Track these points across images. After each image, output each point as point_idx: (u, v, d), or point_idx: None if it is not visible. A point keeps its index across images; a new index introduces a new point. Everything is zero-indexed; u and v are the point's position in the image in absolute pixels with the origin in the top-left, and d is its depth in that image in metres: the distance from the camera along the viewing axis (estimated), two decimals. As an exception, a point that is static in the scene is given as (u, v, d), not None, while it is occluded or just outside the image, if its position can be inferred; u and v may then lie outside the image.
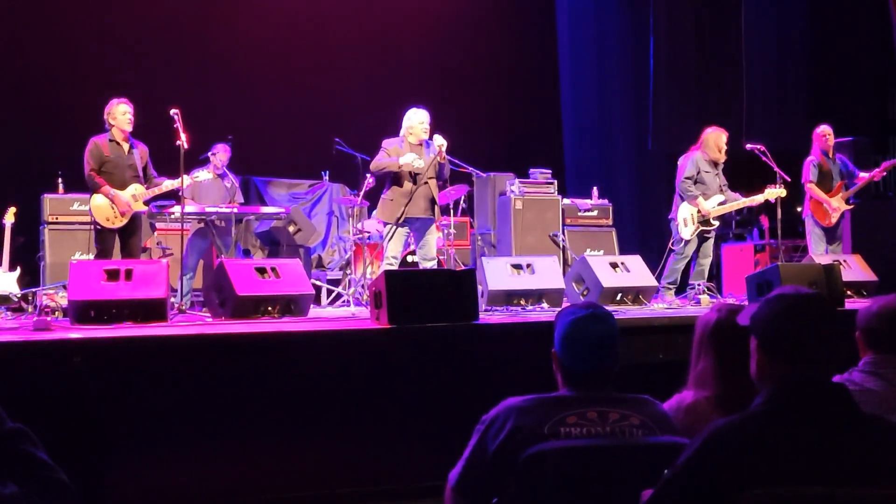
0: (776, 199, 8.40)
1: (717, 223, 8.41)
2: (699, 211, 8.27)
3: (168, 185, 7.47)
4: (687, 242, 8.32)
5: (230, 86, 11.08)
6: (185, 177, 7.39)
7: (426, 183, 7.59)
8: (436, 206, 7.72)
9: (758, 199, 8.43)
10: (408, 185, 7.53)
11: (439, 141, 7.50)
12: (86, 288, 5.99)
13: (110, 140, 7.36)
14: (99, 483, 4.42)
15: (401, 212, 7.47)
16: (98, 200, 7.28)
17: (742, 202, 8.41)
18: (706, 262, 8.46)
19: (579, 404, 2.59)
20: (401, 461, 4.88)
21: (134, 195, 7.32)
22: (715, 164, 8.42)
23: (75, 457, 3.98)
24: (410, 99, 10.94)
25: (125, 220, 7.32)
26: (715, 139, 8.40)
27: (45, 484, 2.02)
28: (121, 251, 7.43)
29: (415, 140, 7.66)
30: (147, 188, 7.42)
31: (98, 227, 7.33)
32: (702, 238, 8.41)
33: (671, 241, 8.51)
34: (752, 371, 2.23)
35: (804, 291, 2.22)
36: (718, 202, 8.33)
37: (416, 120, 7.64)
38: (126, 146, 7.40)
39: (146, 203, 7.48)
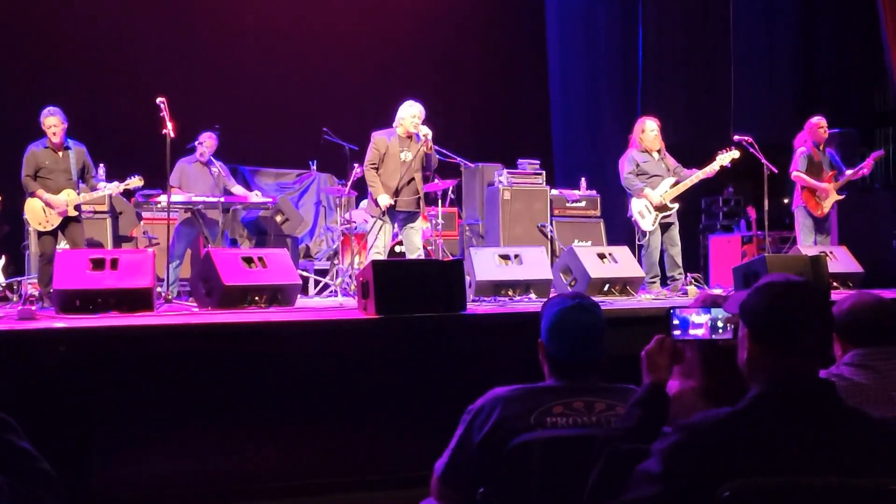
0: (730, 161, 8.38)
1: (675, 206, 8.40)
2: (651, 201, 8.33)
3: (100, 190, 7.71)
4: (651, 234, 8.35)
5: (218, 74, 11.03)
6: (115, 183, 7.75)
7: (412, 179, 7.66)
8: (421, 201, 7.77)
9: (711, 169, 8.37)
10: (393, 176, 7.58)
11: (424, 131, 7.54)
12: (71, 277, 5.96)
13: (46, 147, 7.48)
14: (84, 473, 4.41)
15: (386, 206, 7.54)
16: (32, 205, 7.42)
17: (697, 175, 8.38)
18: (675, 250, 8.43)
19: (566, 394, 2.59)
20: (387, 451, 4.88)
21: (66, 201, 7.42)
22: (656, 151, 8.48)
23: (60, 446, 3.97)
24: (399, 89, 10.90)
25: (58, 222, 7.42)
26: (638, 129, 8.52)
27: (28, 474, 2.01)
28: (68, 244, 7.52)
29: (403, 132, 7.68)
30: (79, 193, 7.52)
31: (37, 230, 7.49)
32: (664, 227, 8.43)
33: (637, 239, 8.54)
34: (740, 359, 2.22)
35: (794, 279, 2.19)
36: (670, 185, 8.36)
37: (409, 113, 7.65)
38: (61, 152, 7.51)
39: (76, 208, 7.49)
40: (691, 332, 2.44)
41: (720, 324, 2.43)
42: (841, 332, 3.15)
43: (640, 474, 2.14)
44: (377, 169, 7.65)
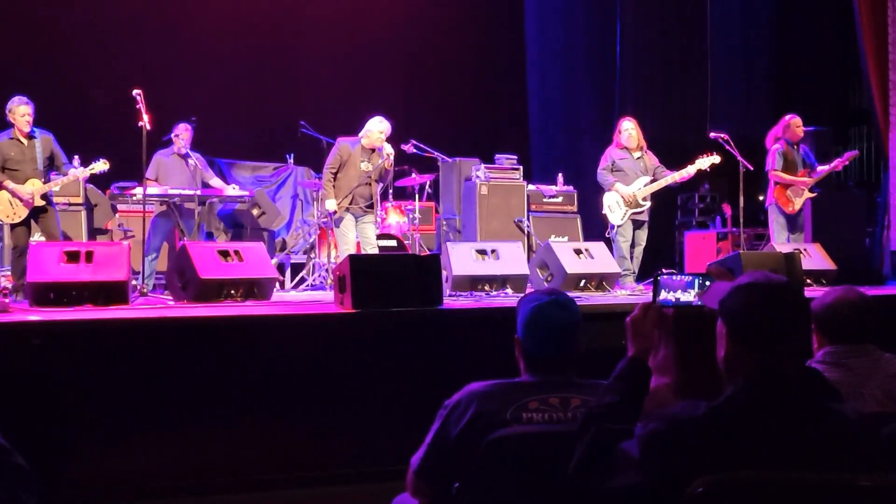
0: (709, 166, 8.46)
1: (646, 204, 8.49)
2: (622, 195, 8.41)
3: (69, 176, 7.59)
4: (620, 229, 8.46)
5: (195, 67, 10.97)
6: (81, 169, 7.65)
7: (368, 184, 8.07)
8: (375, 205, 8.21)
9: (688, 172, 8.44)
10: (352, 182, 8.00)
11: (388, 150, 8.02)
12: (45, 270, 5.92)
13: (11, 138, 7.39)
14: (58, 467, 4.38)
15: (344, 205, 8.01)
16: (0, 196, 7.32)
17: (672, 176, 8.46)
18: (637, 250, 8.56)
19: (541, 390, 2.60)
20: (363, 445, 4.88)
21: (32, 192, 7.33)
22: (637, 149, 8.57)
23: (34, 440, 3.94)
24: (377, 83, 10.91)
25: (25, 213, 7.33)
26: (617, 128, 8.70)
27: (2, 468, 1.99)
28: (43, 235, 7.46)
29: (368, 144, 8.10)
30: (44, 182, 7.43)
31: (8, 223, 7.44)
32: (636, 224, 8.51)
33: (606, 232, 8.62)
34: (718, 356, 2.23)
35: (775, 280, 2.20)
36: (644, 183, 8.44)
37: (377, 129, 8.06)
38: (27, 141, 7.43)
39: (44, 197, 7.41)
40: (676, 296, 2.46)
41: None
42: (820, 327, 3.17)
43: (622, 457, 2.16)
44: (336, 173, 8.06)
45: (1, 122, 7.52)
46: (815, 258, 8.21)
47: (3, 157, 7.33)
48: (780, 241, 8.69)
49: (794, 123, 8.95)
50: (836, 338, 3.13)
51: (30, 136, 7.42)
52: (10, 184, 7.26)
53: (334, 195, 8.03)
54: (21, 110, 7.33)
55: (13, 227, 7.38)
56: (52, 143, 7.56)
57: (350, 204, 8.01)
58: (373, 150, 8.10)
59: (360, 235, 8.16)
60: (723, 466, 2.00)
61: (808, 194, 8.88)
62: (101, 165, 7.64)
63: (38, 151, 7.42)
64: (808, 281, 7.73)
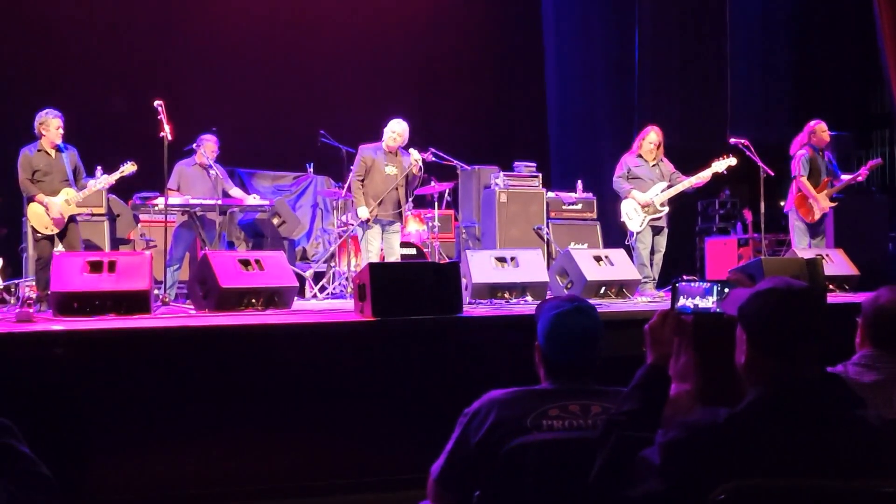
0: (726, 169, 8.43)
1: (665, 209, 8.46)
2: (639, 202, 8.40)
3: (93, 184, 7.66)
4: (640, 235, 8.44)
5: (215, 76, 11.04)
6: (105, 176, 7.75)
7: (396, 189, 8.16)
8: (402, 212, 8.27)
9: (704, 176, 8.43)
10: (378, 187, 8.09)
11: (416, 156, 8.09)
12: (68, 279, 5.96)
13: (39, 150, 7.47)
14: (80, 475, 4.41)
15: (372, 213, 8.07)
16: (36, 208, 7.39)
17: (689, 181, 8.43)
18: (657, 256, 8.53)
19: (561, 397, 2.60)
20: (384, 453, 4.88)
21: (67, 200, 7.43)
22: (651, 157, 8.55)
23: (57, 449, 3.97)
24: (396, 91, 10.92)
25: (62, 225, 7.42)
26: (640, 136, 8.68)
27: (26, 477, 2.02)
28: (64, 246, 7.50)
29: (388, 147, 8.22)
30: (78, 191, 7.52)
31: (36, 234, 7.44)
32: (654, 230, 8.49)
33: (626, 240, 8.59)
34: (738, 360, 2.23)
35: (795, 285, 2.19)
36: (660, 190, 8.42)
37: (390, 130, 8.21)
38: (54, 153, 7.52)
39: (79, 206, 7.52)
40: (694, 303, 2.45)
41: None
42: (865, 327, 3.11)
43: (643, 464, 2.16)
44: (363, 181, 8.16)
45: (14, 132, 7.60)
46: (837, 263, 8.15)
47: (31, 168, 7.41)
48: (802, 247, 8.64)
49: (819, 129, 8.90)
50: (878, 341, 3.08)
51: (58, 149, 7.50)
52: (44, 198, 7.33)
53: (364, 202, 8.11)
54: (56, 123, 7.43)
55: (39, 238, 7.44)
56: (77, 157, 7.67)
57: (379, 208, 8.08)
58: (395, 154, 8.19)
59: (384, 245, 8.20)
60: (744, 473, 1.99)
61: (829, 204, 8.82)
62: (129, 167, 7.71)
63: (66, 164, 7.52)
64: (831, 287, 7.69)
